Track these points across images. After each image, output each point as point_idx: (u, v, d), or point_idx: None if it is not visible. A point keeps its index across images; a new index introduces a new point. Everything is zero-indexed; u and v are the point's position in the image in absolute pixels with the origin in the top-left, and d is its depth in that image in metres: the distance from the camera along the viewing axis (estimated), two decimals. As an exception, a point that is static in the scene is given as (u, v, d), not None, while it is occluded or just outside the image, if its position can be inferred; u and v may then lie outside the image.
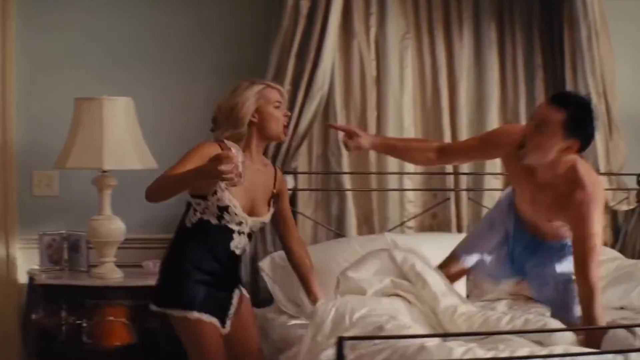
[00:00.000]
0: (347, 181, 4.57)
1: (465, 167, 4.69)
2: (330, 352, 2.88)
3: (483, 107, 4.73)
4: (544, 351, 2.91)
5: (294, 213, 4.11)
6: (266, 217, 3.39)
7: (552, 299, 3.59)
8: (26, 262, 4.42)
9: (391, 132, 4.55)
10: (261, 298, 4.28)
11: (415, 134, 4.65)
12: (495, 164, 4.67)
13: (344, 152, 4.47)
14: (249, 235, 3.37)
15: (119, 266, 4.24)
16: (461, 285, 4.02)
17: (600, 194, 3.35)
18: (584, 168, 3.36)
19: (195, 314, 3.24)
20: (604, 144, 4.65)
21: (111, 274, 4.20)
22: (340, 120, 4.51)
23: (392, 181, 4.63)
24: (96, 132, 4.13)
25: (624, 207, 4.77)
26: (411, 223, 4.65)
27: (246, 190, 3.27)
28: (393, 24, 4.63)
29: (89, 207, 4.28)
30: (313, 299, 3.43)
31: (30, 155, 4.46)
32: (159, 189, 3.20)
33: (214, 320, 3.29)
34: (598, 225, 3.30)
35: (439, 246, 3.92)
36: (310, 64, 4.33)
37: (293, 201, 4.35)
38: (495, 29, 4.73)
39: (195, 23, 4.59)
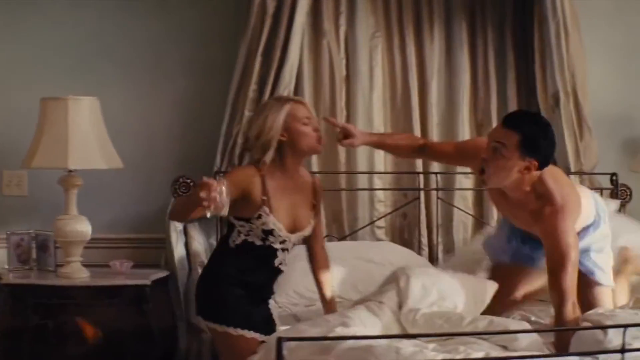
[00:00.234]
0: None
1: (435, 167, 4.66)
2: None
3: (454, 106, 4.70)
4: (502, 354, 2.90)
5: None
6: (307, 230, 3.48)
7: None
8: (-5, 262, 4.44)
9: (360, 131, 4.54)
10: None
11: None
12: (466, 164, 4.66)
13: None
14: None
15: (86, 266, 4.23)
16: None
17: (571, 205, 3.35)
18: (551, 180, 3.37)
19: (239, 331, 3.31)
20: (573, 144, 4.60)
21: (77, 273, 4.19)
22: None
23: (362, 180, 4.61)
24: (61, 132, 4.13)
25: (597, 207, 4.72)
26: (381, 223, 4.63)
27: (288, 210, 3.37)
28: (363, 22, 4.61)
29: (58, 206, 4.28)
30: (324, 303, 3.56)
31: (0, 155, 4.47)
32: (175, 210, 3.52)
33: (257, 336, 3.33)
34: (570, 236, 3.28)
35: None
36: (277, 62, 4.32)
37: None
38: (466, 27, 4.70)
39: (164, 23, 4.59)
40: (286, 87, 4.34)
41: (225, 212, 3.09)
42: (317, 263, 3.57)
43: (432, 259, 4.60)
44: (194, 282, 4.28)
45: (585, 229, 3.52)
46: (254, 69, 4.33)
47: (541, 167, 3.32)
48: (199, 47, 4.58)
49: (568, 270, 3.24)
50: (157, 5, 4.59)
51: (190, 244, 4.36)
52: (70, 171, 4.19)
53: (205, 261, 4.28)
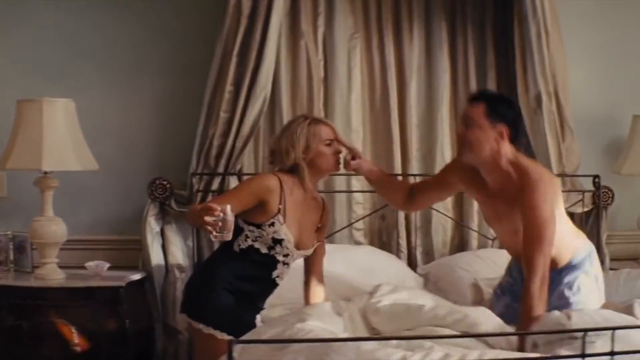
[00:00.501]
0: (294, 182, 4.53)
1: (414, 169, 4.63)
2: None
3: (433, 107, 4.67)
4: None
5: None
6: (310, 251, 3.55)
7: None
8: (-27, 263, 4.44)
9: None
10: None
11: (363, 134, 4.62)
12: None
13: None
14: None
15: (62, 267, 4.24)
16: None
17: (547, 180, 3.43)
18: (528, 160, 3.50)
19: (225, 336, 3.34)
20: (556, 146, 4.55)
21: (53, 275, 4.20)
22: (286, 120, 4.46)
23: (340, 182, 4.58)
24: (36, 134, 4.14)
25: (579, 210, 4.68)
26: (359, 225, 4.61)
27: (298, 226, 3.45)
28: (341, 23, 4.59)
29: (37, 208, 4.28)
30: None
31: (-21, 157, 4.48)
32: (189, 216, 3.48)
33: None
34: (546, 211, 3.34)
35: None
36: (253, 63, 4.30)
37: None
38: (446, 27, 4.67)
39: (141, 24, 4.59)
40: (263, 88, 4.32)
41: (229, 237, 3.16)
42: (311, 279, 3.61)
43: (411, 262, 4.58)
44: (170, 284, 4.30)
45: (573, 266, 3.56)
46: (229, 70, 4.31)
47: (512, 135, 3.44)
48: (177, 48, 4.57)
49: (543, 246, 3.32)
50: (134, 6, 4.58)
51: (166, 246, 4.35)
52: (46, 173, 4.19)
53: (182, 263, 4.31)
